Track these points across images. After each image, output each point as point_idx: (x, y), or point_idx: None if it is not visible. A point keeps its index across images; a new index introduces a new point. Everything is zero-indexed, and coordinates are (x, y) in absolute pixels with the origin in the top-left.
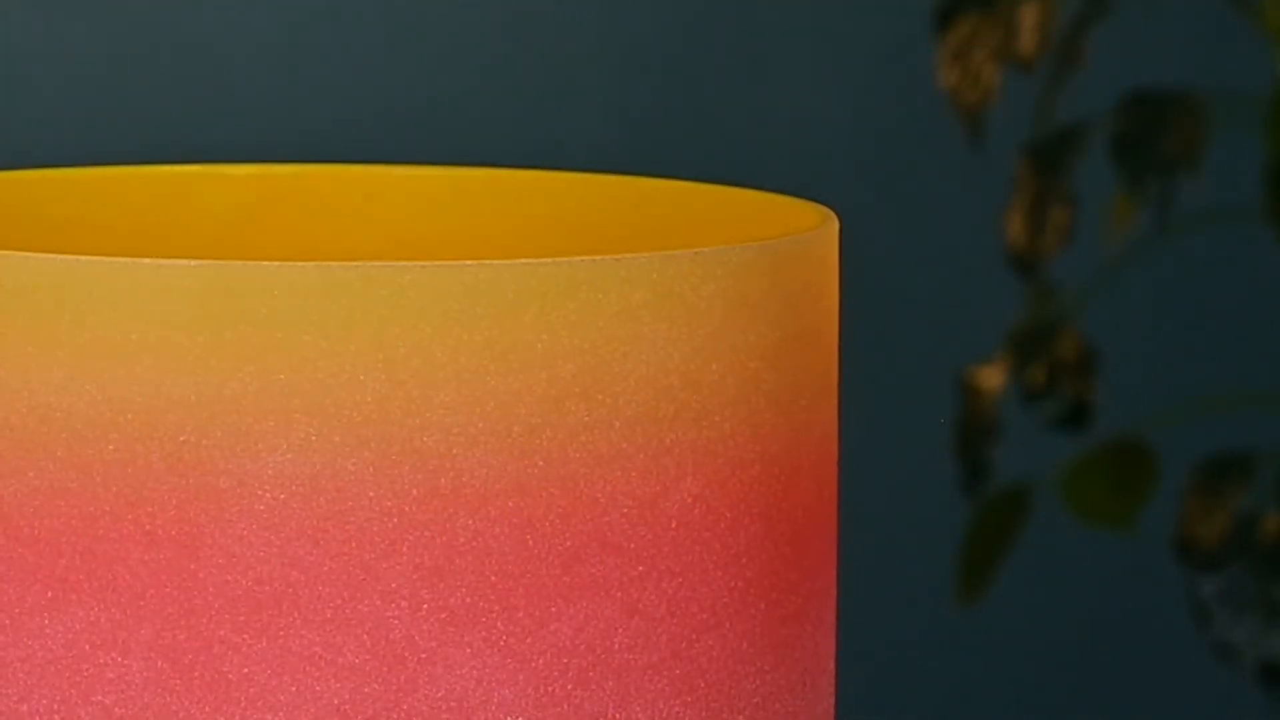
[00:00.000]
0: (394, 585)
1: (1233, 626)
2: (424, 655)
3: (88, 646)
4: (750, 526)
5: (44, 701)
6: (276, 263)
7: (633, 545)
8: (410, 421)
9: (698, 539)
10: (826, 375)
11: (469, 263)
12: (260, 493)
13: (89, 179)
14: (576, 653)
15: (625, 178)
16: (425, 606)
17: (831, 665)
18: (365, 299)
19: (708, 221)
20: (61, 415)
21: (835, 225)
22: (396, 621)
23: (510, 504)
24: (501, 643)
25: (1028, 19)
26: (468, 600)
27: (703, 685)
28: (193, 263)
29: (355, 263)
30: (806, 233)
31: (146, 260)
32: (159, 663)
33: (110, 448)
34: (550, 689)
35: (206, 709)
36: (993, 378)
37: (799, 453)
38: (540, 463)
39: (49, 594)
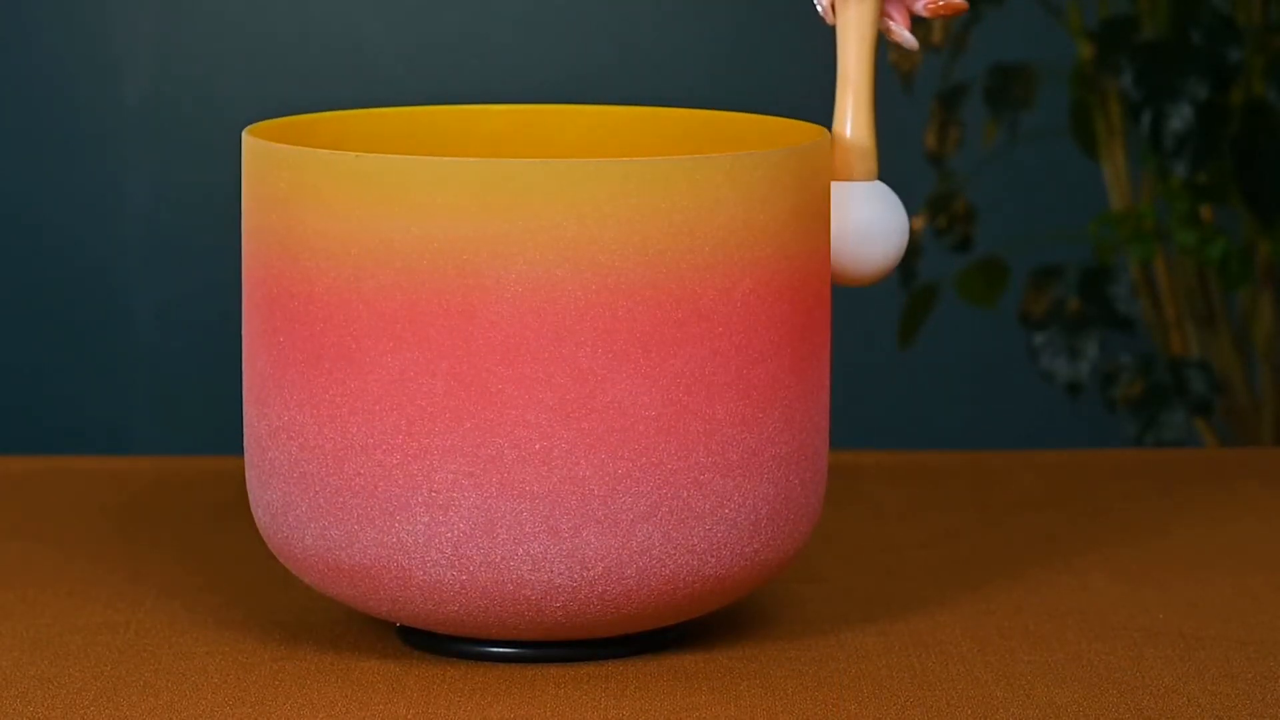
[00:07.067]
0: (581, 338)
1: (1051, 361)
2: (598, 377)
3: (410, 373)
4: (781, 305)
5: (383, 402)
6: (518, 160)
7: (715, 315)
8: (591, 247)
9: (751, 312)
10: (822, 222)
11: (621, 159)
12: (507, 285)
13: (417, 113)
14: (680, 376)
15: (707, 111)
16: (599, 350)
17: (827, 382)
18: (567, 178)
19: (750, 131)
20: (400, 243)
21: (829, 137)
22: (583, 359)
23: (647, 292)
24: (642, 370)
25: (937, 23)
26: (622, 346)
27: (755, 394)
28: (472, 160)
29: (561, 159)
30: (814, 140)
31: (448, 159)
32: (450, 383)
33: (425, 261)
34: (667, 395)
35: (477, 408)
36: (918, 223)
37: (808, 265)
38: (664, 269)
39: (389, 344)
